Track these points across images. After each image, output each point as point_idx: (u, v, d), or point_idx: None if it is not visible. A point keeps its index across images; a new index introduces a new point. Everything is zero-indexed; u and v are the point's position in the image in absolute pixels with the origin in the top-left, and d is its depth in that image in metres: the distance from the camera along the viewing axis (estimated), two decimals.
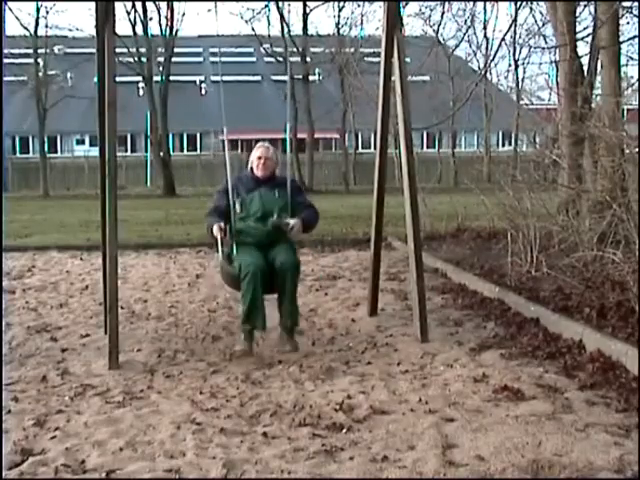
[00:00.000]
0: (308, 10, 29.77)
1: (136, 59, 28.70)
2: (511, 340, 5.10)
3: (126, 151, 38.71)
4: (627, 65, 16.79)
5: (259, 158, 5.15)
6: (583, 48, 14.70)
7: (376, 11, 29.22)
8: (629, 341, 4.53)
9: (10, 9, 31.26)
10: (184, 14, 42.69)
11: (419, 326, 5.17)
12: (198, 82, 41.47)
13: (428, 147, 38.45)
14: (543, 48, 15.12)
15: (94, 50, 5.43)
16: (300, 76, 28.42)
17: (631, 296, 5.41)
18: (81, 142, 39.52)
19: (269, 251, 4.94)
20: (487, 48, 32.55)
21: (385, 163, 5.86)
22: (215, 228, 4.91)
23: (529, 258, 7.16)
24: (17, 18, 45.46)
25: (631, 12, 10.12)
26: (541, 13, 18.73)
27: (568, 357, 4.55)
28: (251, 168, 5.22)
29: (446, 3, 27.26)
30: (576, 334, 4.87)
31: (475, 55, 34.65)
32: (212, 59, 42.97)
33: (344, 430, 3.49)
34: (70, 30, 31.26)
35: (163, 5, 29.53)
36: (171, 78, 30.30)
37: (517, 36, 23.34)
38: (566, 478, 2.95)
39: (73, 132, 39.67)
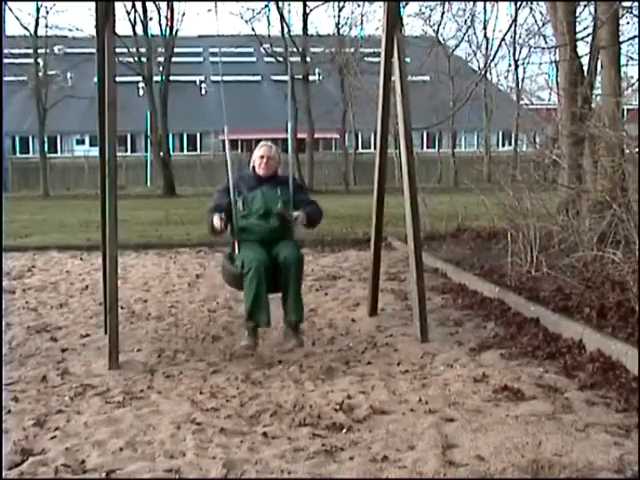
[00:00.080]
0: (308, 10, 29.80)
1: (136, 59, 28.72)
2: (511, 340, 5.10)
3: (126, 151, 38.72)
4: (627, 65, 16.80)
5: (261, 157, 5.11)
6: (583, 48, 14.68)
7: (376, 11, 29.28)
8: (629, 341, 4.53)
9: (10, 9, 31.31)
10: (184, 14, 42.81)
11: (419, 326, 5.17)
12: (198, 82, 41.48)
13: (428, 147, 38.45)
14: (543, 48, 15.13)
15: (94, 50, 5.43)
16: (300, 76, 28.42)
17: (631, 296, 5.41)
18: (81, 142, 39.53)
19: (272, 248, 4.87)
20: (487, 48, 32.61)
21: (385, 163, 5.86)
22: (215, 218, 4.87)
23: (529, 258, 7.16)
24: (17, 18, 45.49)
25: (631, 12, 10.12)
26: (541, 13, 18.74)
27: (568, 357, 4.55)
28: (253, 167, 5.18)
29: (446, 3, 27.28)
30: (576, 334, 4.87)
31: (475, 55, 34.72)
32: (212, 59, 42.98)
33: (344, 430, 3.49)
34: (70, 30, 31.34)
35: (163, 5, 29.60)
36: (171, 78, 30.32)
37: (517, 36, 23.37)
38: (566, 478, 2.95)
39: (73, 132, 39.68)
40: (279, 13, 29.31)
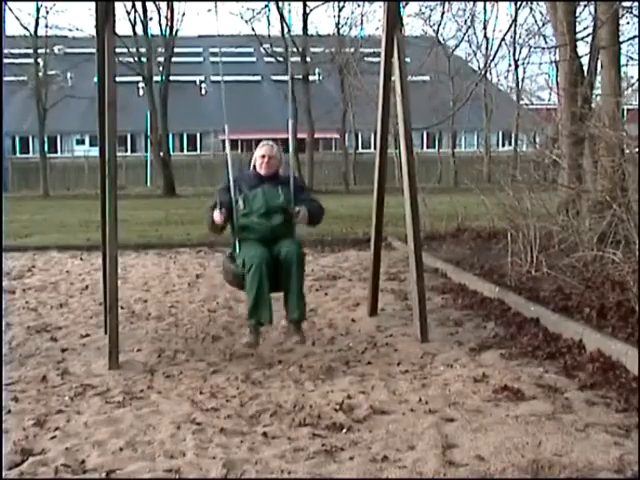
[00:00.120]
0: (308, 10, 29.80)
1: (136, 59, 28.71)
2: (511, 340, 5.10)
3: (126, 151, 38.72)
4: (627, 65, 16.80)
5: (263, 156, 5.07)
6: (583, 48, 14.71)
7: (376, 11, 29.26)
8: (629, 341, 4.53)
9: (10, 9, 31.28)
10: (184, 14, 42.73)
11: (419, 326, 5.17)
12: (198, 82, 41.49)
13: (428, 147, 38.46)
14: (543, 48, 15.12)
15: (94, 50, 5.43)
16: (300, 76, 28.42)
17: (631, 296, 5.41)
18: (81, 142, 39.53)
19: (273, 246, 4.81)
20: (487, 48, 32.60)
21: (385, 163, 5.86)
22: (216, 212, 4.86)
23: (529, 258, 7.16)
24: (17, 18, 45.44)
25: (631, 12, 10.12)
26: (541, 13, 18.74)
27: (568, 357, 4.55)
28: (254, 166, 5.14)
29: (446, 3, 27.27)
30: (576, 334, 4.87)
31: (475, 55, 34.71)
32: (212, 59, 42.96)
33: (344, 430, 3.49)
34: (70, 30, 31.33)
35: (163, 5, 29.59)
36: (171, 78, 30.31)
37: (517, 36, 23.37)
38: (566, 478, 2.95)
39: (73, 132, 39.68)
40: (279, 13, 29.34)
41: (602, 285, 6.04)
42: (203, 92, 41.11)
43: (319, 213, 5.12)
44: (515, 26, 20.20)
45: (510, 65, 31.91)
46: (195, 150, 40.24)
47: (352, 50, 29.02)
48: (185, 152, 40.15)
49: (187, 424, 3.60)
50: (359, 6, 30.24)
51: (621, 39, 9.16)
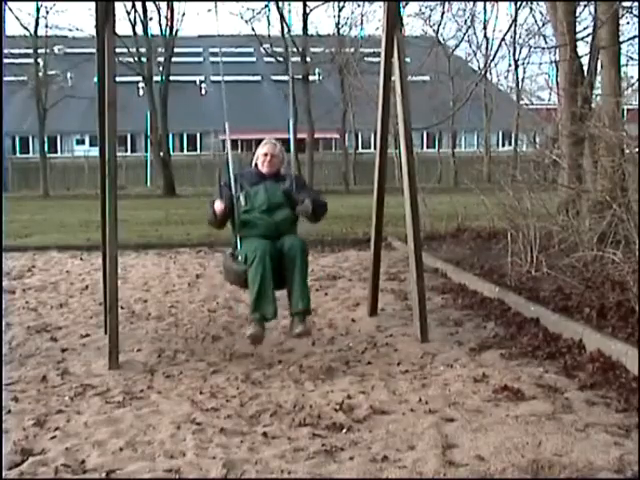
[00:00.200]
0: (308, 10, 29.80)
1: (136, 59, 28.73)
2: (511, 340, 5.10)
3: (126, 151, 38.72)
4: (627, 65, 16.80)
5: (265, 155, 5.04)
6: (583, 48, 14.71)
7: (376, 11, 29.27)
8: (629, 341, 4.53)
9: (10, 9, 31.30)
10: (184, 14, 42.83)
11: (419, 326, 5.17)
12: (198, 82, 41.48)
13: (428, 147, 38.46)
14: (543, 48, 15.13)
15: (94, 50, 5.43)
16: (300, 76, 28.42)
17: (631, 296, 5.41)
18: (81, 142, 39.53)
19: (276, 242, 4.73)
20: (487, 48, 32.63)
21: (385, 163, 5.85)
22: (217, 202, 4.80)
23: (529, 258, 7.16)
24: (17, 18, 45.50)
25: (631, 12, 10.12)
26: (541, 13, 18.75)
27: (568, 357, 4.55)
28: (256, 164, 5.11)
29: (446, 3, 27.29)
30: (576, 334, 4.87)
31: (475, 55, 34.74)
32: (212, 59, 42.96)
33: (344, 430, 3.49)
34: (70, 30, 31.36)
35: (163, 5, 29.62)
36: (171, 78, 30.33)
37: (517, 36, 23.38)
38: (566, 478, 2.95)
39: (73, 132, 39.68)
40: (279, 13, 29.36)
41: (602, 285, 6.04)
42: (203, 92, 41.10)
43: (322, 206, 5.02)
44: (515, 26, 20.24)
45: (510, 65, 31.98)
46: (195, 150, 40.24)
47: (352, 50, 29.03)
48: (185, 152, 40.16)
49: (187, 424, 3.60)
50: (359, 6, 30.32)
51: (621, 39, 9.16)
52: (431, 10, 28.35)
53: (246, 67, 41.89)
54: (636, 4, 9.72)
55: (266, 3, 28.81)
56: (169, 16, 29.67)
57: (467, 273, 7.46)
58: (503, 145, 38.78)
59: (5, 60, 26.70)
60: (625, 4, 9.95)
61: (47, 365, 4.70)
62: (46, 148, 32.05)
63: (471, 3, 28.61)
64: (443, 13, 29.47)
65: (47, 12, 31.62)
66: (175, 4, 29.85)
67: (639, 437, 3.28)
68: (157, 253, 10.25)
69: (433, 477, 2.98)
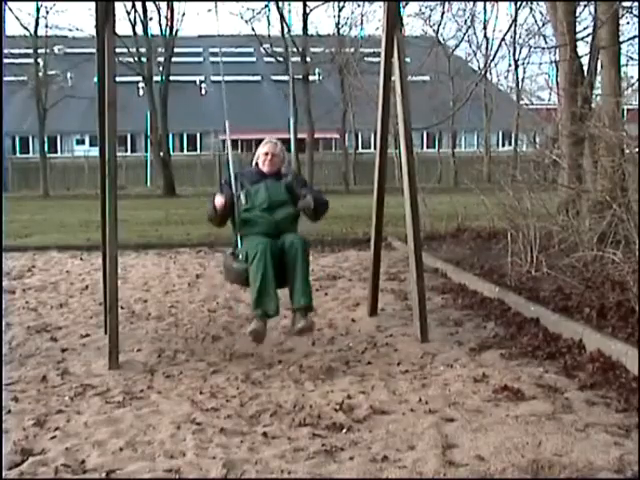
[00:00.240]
0: (308, 10, 29.80)
1: (136, 59, 28.72)
2: (511, 340, 5.10)
3: (126, 151, 38.71)
4: (627, 65, 16.80)
5: (266, 154, 5.04)
6: (583, 48, 14.71)
7: (376, 11, 29.27)
8: (629, 341, 4.53)
9: (10, 9, 31.30)
10: (184, 14, 42.81)
11: (419, 326, 5.17)
12: (198, 82, 41.48)
13: (428, 147, 38.46)
14: (543, 48, 15.13)
15: (94, 50, 5.43)
16: (300, 76, 28.42)
17: (631, 296, 5.41)
18: (81, 142, 39.53)
19: (277, 240, 4.72)
20: (487, 48, 32.63)
21: (385, 163, 5.86)
22: (218, 197, 4.79)
23: (529, 258, 7.16)
24: (17, 18, 45.46)
25: (631, 12, 10.12)
26: (541, 13, 18.75)
27: (568, 357, 4.55)
28: (256, 163, 5.11)
29: (446, 3, 27.30)
30: (576, 334, 4.87)
31: (475, 55, 34.74)
32: (212, 59, 42.97)
33: (344, 430, 3.49)
34: (70, 30, 31.35)
35: (163, 5, 29.61)
36: (171, 78, 30.32)
37: (517, 36, 23.39)
38: (566, 478, 2.95)
39: (73, 132, 39.67)
40: (279, 13, 29.36)
41: (602, 285, 6.04)
42: (203, 92, 41.10)
43: (324, 204, 5.01)
44: (515, 26, 20.24)
45: (510, 65, 31.98)
46: (195, 150, 40.24)
47: (352, 50, 29.03)
48: (185, 152, 40.14)
49: (187, 424, 3.60)
50: (359, 6, 30.32)
51: (621, 39, 9.16)
52: (431, 10, 28.42)
53: (246, 67, 41.88)
54: (636, 4, 9.73)
55: (266, 3, 28.85)
56: (169, 16, 29.69)
57: (467, 273, 7.46)
58: (503, 145, 38.79)
59: (5, 60, 26.70)
60: (625, 4, 9.96)
61: (47, 365, 4.70)
62: (46, 148, 32.05)
63: (471, 3, 28.65)
64: (443, 13, 29.54)
65: (47, 12, 31.71)
66: (175, 4, 29.89)
67: (639, 437, 3.28)
68: (157, 253, 10.25)
69: (433, 477, 2.98)
